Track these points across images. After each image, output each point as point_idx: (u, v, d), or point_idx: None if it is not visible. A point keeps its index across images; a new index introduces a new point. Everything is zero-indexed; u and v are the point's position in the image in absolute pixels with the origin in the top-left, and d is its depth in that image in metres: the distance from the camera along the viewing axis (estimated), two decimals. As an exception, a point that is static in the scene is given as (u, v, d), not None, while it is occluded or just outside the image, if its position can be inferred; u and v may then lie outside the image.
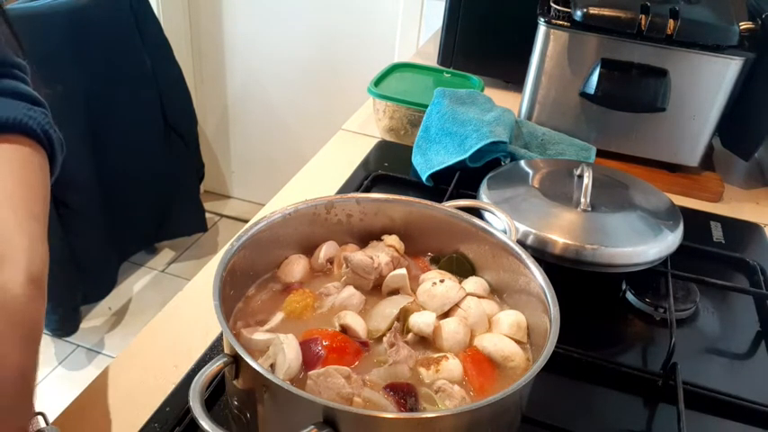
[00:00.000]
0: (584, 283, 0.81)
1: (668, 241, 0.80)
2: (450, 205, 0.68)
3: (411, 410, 0.50)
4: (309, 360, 0.53)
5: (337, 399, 0.49)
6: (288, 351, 0.52)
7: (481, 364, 0.56)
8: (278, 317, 0.59)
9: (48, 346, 2.09)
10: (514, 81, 1.35)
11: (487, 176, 0.90)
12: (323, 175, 1.05)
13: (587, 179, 0.81)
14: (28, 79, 0.58)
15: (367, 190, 0.99)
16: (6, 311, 0.42)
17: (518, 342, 0.58)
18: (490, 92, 1.25)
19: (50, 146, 0.54)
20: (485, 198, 0.85)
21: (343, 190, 0.99)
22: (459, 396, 0.52)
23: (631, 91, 1.05)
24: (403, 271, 0.63)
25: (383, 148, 1.14)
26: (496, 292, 0.65)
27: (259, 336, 0.55)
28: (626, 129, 1.09)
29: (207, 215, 2.46)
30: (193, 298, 0.79)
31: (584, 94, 1.08)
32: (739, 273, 0.90)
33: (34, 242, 0.46)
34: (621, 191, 0.88)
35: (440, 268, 0.67)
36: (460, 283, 0.64)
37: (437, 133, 1.03)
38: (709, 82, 1.02)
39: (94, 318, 2.20)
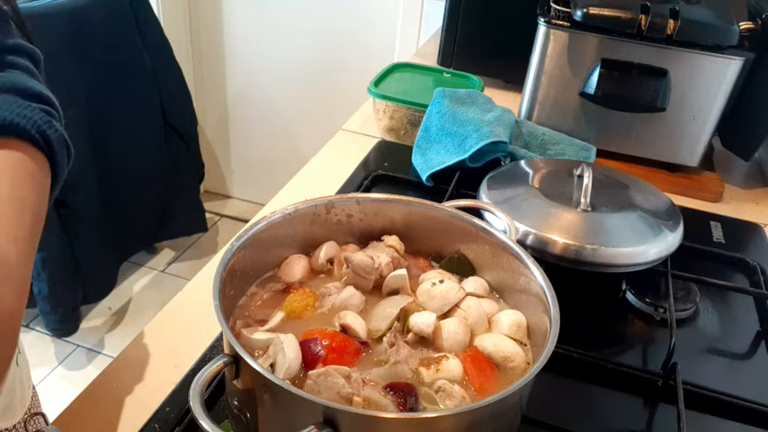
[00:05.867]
0: (584, 283, 0.81)
1: (668, 241, 0.80)
2: (450, 205, 0.68)
3: (411, 410, 0.50)
4: (309, 360, 0.53)
5: (337, 399, 0.49)
6: (288, 351, 0.52)
7: (481, 364, 0.56)
8: (278, 316, 0.59)
9: (48, 346, 2.09)
10: (514, 81, 1.35)
11: (487, 176, 0.90)
12: (323, 175, 1.05)
13: (587, 179, 0.81)
14: (33, 67, 0.53)
15: (367, 190, 0.99)
16: None
17: (518, 342, 0.58)
18: (490, 92, 1.25)
19: (50, 149, 0.48)
20: (485, 198, 0.85)
21: (343, 190, 0.99)
22: (460, 396, 0.52)
23: (631, 91, 1.05)
24: (403, 271, 0.63)
25: (383, 148, 1.14)
26: (496, 292, 0.65)
27: (259, 336, 0.55)
28: (626, 129, 1.09)
29: (207, 215, 2.46)
30: (193, 298, 0.79)
31: (584, 94, 1.08)
32: (739, 273, 0.90)
33: (10, 270, 0.40)
34: (621, 191, 0.88)
35: (441, 268, 0.67)
36: (461, 282, 0.64)
37: (437, 133, 1.03)
38: (709, 82, 1.02)
39: (94, 318, 2.20)
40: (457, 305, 0.60)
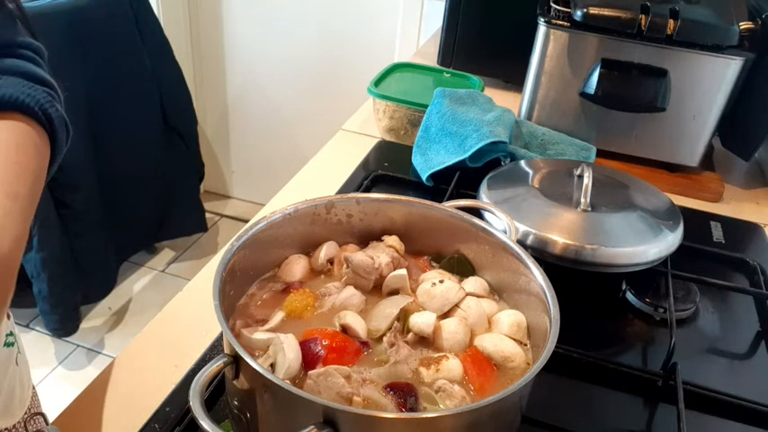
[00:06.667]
0: (584, 283, 0.81)
1: (668, 241, 0.80)
2: (450, 205, 0.68)
3: (411, 410, 0.50)
4: (309, 360, 0.53)
5: (337, 398, 0.49)
6: (288, 351, 0.52)
7: (481, 363, 0.56)
8: (278, 316, 0.59)
9: (48, 346, 2.09)
10: (514, 81, 1.35)
11: (487, 176, 0.90)
12: (323, 175, 1.05)
13: (587, 179, 0.81)
14: (39, 59, 0.56)
15: (367, 190, 0.99)
16: None
17: (518, 342, 0.58)
18: (490, 92, 1.25)
19: (51, 125, 0.52)
20: (485, 198, 0.85)
21: (343, 190, 0.99)
22: (460, 396, 0.52)
23: (631, 91, 1.05)
24: (403, 271, 0.63)
25: (383, 148, 1.14)
26: (496, 292, 0.65)
27: (259, 335, 0.55)
28: (626, 129, 1.09)
29: (207, 215, 2.46)
30: (193, 298, 0.79)
31: (584, 94, 1.08)
32: (739, 273, 0.90)
33: (7, 220, 0.44)
34: (621, 191, 0.88)
35: (441, 268, 0.67)
36: (461, 282, 0.64)
37: (437, 133, 1.03)
38: (709, 82, 1.02)
39: (94, 318, 2.20)
40: (457, 305, 0.60)
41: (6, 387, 0.67)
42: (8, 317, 0.69)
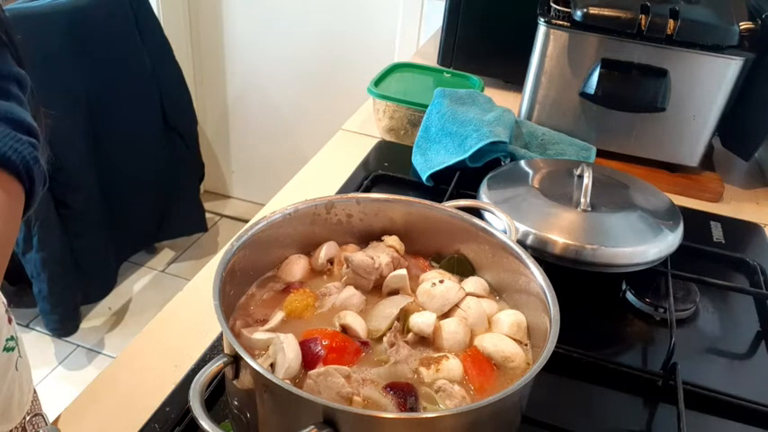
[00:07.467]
0: (584, 283, 0.81)
1: (668, 241, 0.80)
2: (450, 205, 0.68)
3: (411, 410, 0.50)
4: (309, 360, 0.53)
5: (337, 398, 0.49)
6: (288, 351, 0.52)
7: (481, 363, 0.56)
8: (278, 316, 0.59)
9: (48, 346, 2.09)
10: (514, 81, 1.35)
11: (487, 176, 0.90)
12: (323, 175, 1.05)
13: (587, 179, 0.81)
14: (24, 97, 0.55)
15: (367, 190, 0.99)
16: None
17: (518, 342, 0.58)
18: (490, 92, 1.25)
19: (30, 182, 0.51)
20: (485, 198, 0.85)
21: (343, 190, 0.99)
22: (460, 396, 0.52)
23: (631, 91, 1.05)
24: (403, 271, 0.63)
25: (383, 148, 1.14)
26: (496, 292, 0.65)
27: (259, 335, 0.55)
28: (626, 129, 1.09)
29: (207, 215, 2.46)
30: (193, 298, 0.79)
31: (584, 94, 1.08)
32: (739, 273, 0.90)
33: None
34: (621, 191, 0.88)
35: (441, 268, 0.67)
36: (461, 282, 0.64)
37: (437, 133, 1.03)
38: (709, 82, 1.02)
39: (94, 318, 2.20)
40: (457, 305, 0.60)
41: (5, 391, 0.67)
42: (9, 321, 0.69)
